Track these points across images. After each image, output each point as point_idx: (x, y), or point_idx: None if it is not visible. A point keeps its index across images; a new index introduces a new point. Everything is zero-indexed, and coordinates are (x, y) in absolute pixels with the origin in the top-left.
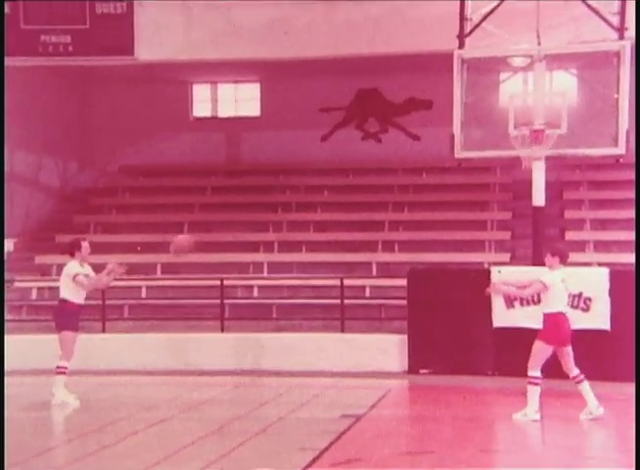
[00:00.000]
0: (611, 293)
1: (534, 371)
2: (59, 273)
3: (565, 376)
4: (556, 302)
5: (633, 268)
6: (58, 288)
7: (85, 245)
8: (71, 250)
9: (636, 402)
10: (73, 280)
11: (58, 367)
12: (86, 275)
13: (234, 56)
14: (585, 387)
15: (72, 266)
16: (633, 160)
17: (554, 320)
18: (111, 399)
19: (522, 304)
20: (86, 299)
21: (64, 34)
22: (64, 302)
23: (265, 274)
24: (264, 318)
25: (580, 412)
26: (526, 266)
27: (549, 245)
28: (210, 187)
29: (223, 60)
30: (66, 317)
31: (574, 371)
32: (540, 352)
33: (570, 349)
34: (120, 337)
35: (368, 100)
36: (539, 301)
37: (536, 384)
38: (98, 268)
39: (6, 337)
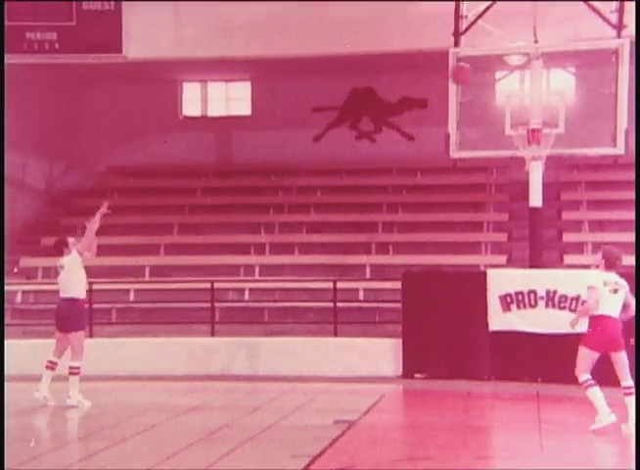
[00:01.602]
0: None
1: (582, 376)
2: (45, 276)
3: (561, 380)
4: (600, 303)
5: (633, 270)
6: (44, 292)
7: (72, 241)
8: (60, 248)
9: (636, 404)
10: (81, 253)
11: (71, 368)
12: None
13: (225, 54)
14: (631, 401)
15: (70, 257)
16: (632, 160)
17: (597, 323)
18: (98, 405)
19: (518, 307)
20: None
21: (50, 31)
22: (72, 300)
23: (257, 277)
24: (256, 322)
25: (577, 417)
26: (523, 269)
27: (603, 246)
28: (201, 188)
29: (214, 58)
30: (77, 316)
31: (626, 382)
32: (583, 358)
33: (620, 355)
34: (108, 342)
35: (362, 99)
36: (536, 304)
37: (590, 386)
38: (87, 269)
39: None
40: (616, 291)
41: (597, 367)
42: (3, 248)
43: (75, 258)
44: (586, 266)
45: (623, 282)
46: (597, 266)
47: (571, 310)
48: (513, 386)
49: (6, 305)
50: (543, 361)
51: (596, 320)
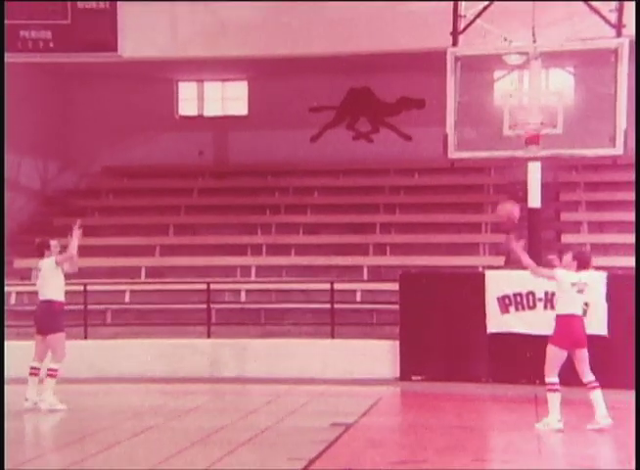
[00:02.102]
0: (608, 297)
1: (551, 377)
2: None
3: (560, 382)
4: (565, 303)
5: (632, 272)
6: (37, 293)
7: (54, 243)
8: (41, 250)
9: (636, 406)
10: (58, 264)
11: (49, 369)
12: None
13: (221, 53)
14: (597, 394)
15: (49, 261)
16: (631, 160)
17: (564, 322)
18: (93, 407)
19: (517, 309)
20: (67, 303)
21: (44, 30)
22: (49, 302)
23: (253, 278)
24: (252, 323)
25: (577, 420)
26: (522, 270)
27: (574, 248)
28: (197, 188)
29: (210, 57)
30: (54, 318)
31: (588, 377)
32: (553, 356)
33: (583, 352)
34: (103, 343)
35: (359, 99)
36: (534, 306)
37: (555, 390)
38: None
39: None
40: (581, 291)
41: (596, 370)
42: (3, 248)
43: (51, 262)
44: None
45: (591, 279)
46: (565, 266)
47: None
48: (511, 388)
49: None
50: (541, 363)
51: (563, 319)
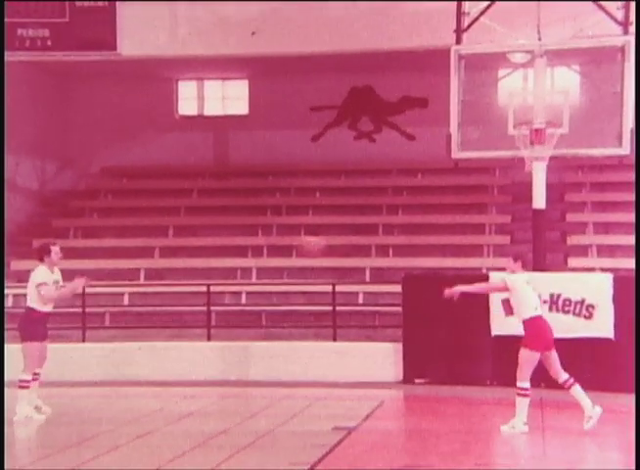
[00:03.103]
0: (615, 299)
1: (523, 382)
2: None
3: (565, 386)
4: (528, 306)
5: (633, 273)
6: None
7: (55, 249)
8: (40, 255)
9: (637, 408)
10: (36, 288)
11: (20, 381)
12: (56, 281)
13: (221, 52)
14: (577, 389)
15: (39, 273)
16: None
17: (533, 325)
18: (91, 411)
19: None
20: (65, 306)
21: (42, 28)
22: (29, 310)
23: (254, 280)
24: (253, 326)
25: (581, 423)
26: (526, 272)
27: (510, 251)
28: (197, 189)
29: (210, 56)
30: (30, 326)
31: (563, 376)
32: (527, 360)
33: (554, 353)
34: (101, 346)
35: (361, 98)
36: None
37: (525, 395)
38: (76, 274)
39: None
40: (535, 289)
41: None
42: (3, 250)
43: (35, 279)
44: (591, 269)
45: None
46: (512, 272)
47: (575, 314)
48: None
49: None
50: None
51: (531, 322)
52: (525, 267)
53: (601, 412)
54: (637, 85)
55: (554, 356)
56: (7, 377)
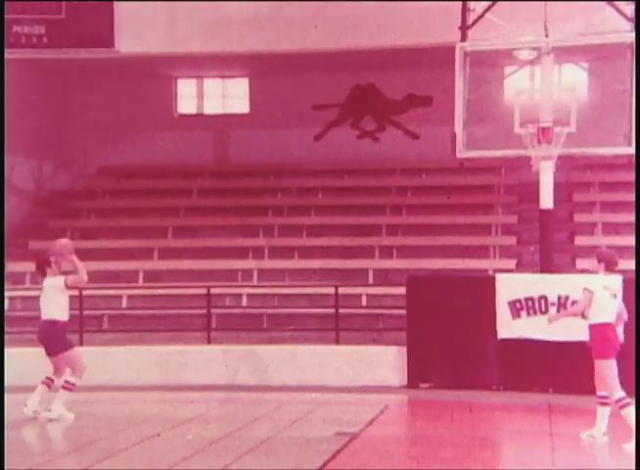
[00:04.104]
0: (624, 302)
1: (619, 392)
2: (33, 282)
3: (574, 391)
4: (600, 311)
5: (633, 274)
6: (31, 298)
7: (64, 242)
8: (42, 269)
9: (637, 410)
10: (68, 287)
11: (66, 382)
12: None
13: (221, 49)
14: (605, 412)
15: (55, 280)
16: None
17: (600, 331)
18: (90, 416)
19: (528, 313)
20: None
21: (38, 25)
22: (52, 322)
23: (255, 282)
24: (254, 329)
25: (590, 429)
26: (534, 273)
27: (595, 250)
28: (196, 189)
29: (210, 53)
30: (59, 338)
31: (604, 391)
32: (604, 370)
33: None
34: (99, 350)
35: (364, 96)
36: (547, 310)
37: (605, 404)
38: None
39: None
40: (615, 296)
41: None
42: (3, 251)
43: (57, 283)
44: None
45: (619, 286)
46: (595, 272)
47: (583, 317)
48: (523, 396)
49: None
50: (555, 371)
51: (601, 328)
52: (608, 269)
53: (603, 441)
54: (637, 86)
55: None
56: (7, 381)
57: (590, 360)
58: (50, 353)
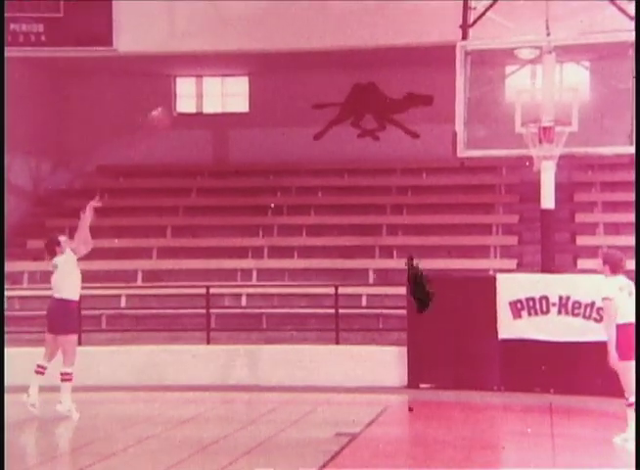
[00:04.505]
0: None
1: (631, 395)
2: (31, 281)
3: (576, 391)
4: (622, 311)
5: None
6: (30, 298)
7: (63, 239)
8: (52, 248)
9: (637, 412)
10: (76, 252)
11: (64, 374)
12: (55, 266)
13: (221, 47)
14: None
15: (65, 256)
16: None
17: (626, 332)
18: (88, 416)
19: (529, 314)
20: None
21: (35, 23)
22: (65, 301)
23: (254, 282)
24: (253, 329)
25: (592, 430)
26: (535, 273)
27: (601, 251)
28: (195, 188)
29: (209, 51)
30: (69, 318)
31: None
32: (628, 371)
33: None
34: (98, 350)
35: (364, 95)
36: (548, 311)
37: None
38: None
39: None
40: (631, 294)
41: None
42: (3, 251)
43: (70, 258)
44: (602, 271)
45: (632, 283)
46: (600, 273)
47: (585, 317)
48: (524, 397)
49: None
50: (556, 371)
51: (624, 328)
52: (614, 270)
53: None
54: (637, 86)
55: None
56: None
57: (590, 362)
58: (55, 330)
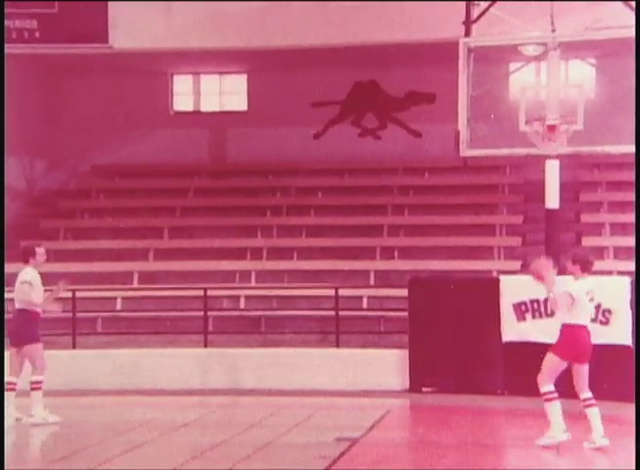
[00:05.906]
0: (632, 304)
1: (546, 386)
2: None
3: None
4: (578, 312)
5: (633, 275)
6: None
7: (41, 251)
8: (25, 256)
9: (636, 414)
10: (21, 284)
11: (33, 382)
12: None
13: (219, 44)
14: (594, 412)
15: (28, 272)
16: None
17: (571, 333)
18: (82, 422)
19: (534, 316)
20: (55, 311)
21: (29, 19)
22: (25, 312)
23: (253, 283)
24: (252, 332)
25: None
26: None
27: (570, 252)
28: (193, 189)
29: (207, 48)
30: (31, 328)
31: (586, 393)
32: (553, 365)
33: (586, 367)
34: (93, 353)
35: (365, 93)
36: (552, 314)
37: (553, 399)
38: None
39: None
40: (592, 299)
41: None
42: (3, 251)
43: (36, 272)
44: (607, 272)
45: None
46: (573, 276)
47: (591, 320)
48: (528, 401)
49: None
50: (560, 375)
51: (570, 329)
52: (584, 269)
53: (606, 445)
54: (637, 86)
55: (582, 371)
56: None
57: (597, 366)
58: (17, 343)
